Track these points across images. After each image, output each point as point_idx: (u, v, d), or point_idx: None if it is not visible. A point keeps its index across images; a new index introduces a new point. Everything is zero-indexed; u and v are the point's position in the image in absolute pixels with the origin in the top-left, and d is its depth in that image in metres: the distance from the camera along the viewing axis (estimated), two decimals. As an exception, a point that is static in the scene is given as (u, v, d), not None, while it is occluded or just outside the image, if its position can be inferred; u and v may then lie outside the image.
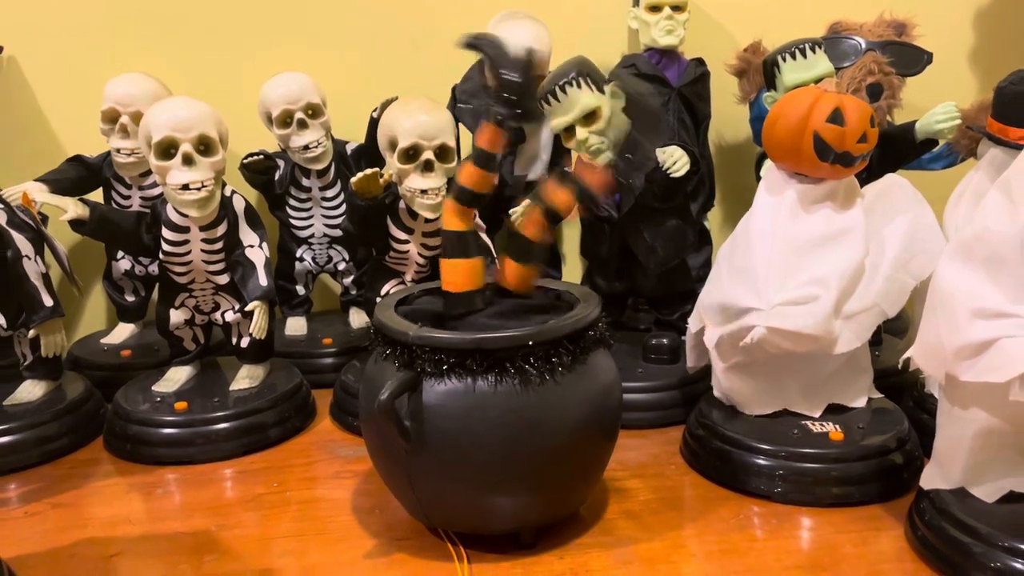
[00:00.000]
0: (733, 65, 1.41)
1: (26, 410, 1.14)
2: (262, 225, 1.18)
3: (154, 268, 1.37)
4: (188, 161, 1.08)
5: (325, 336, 1.40)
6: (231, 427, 1.12)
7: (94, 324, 1.53)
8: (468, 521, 0.87)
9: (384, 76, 1.49)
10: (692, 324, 1.09)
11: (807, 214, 1.00)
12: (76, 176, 1.35)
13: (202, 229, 1.13)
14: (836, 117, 0.96)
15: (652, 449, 1.09)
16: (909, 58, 1.30)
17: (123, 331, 1.44)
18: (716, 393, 1.08)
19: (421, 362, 0.81)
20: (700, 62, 1.42)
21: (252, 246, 1.16)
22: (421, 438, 0.81)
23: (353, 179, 1.13)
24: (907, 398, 1.12)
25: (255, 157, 1.34)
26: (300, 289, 1.46)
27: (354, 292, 1.46)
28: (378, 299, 1.20)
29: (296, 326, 1.44)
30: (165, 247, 1.13)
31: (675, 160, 1.14)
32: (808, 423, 1.02)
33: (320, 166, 1.36)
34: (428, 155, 1.12)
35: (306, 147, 1.34)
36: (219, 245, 1.14)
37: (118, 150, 1.31)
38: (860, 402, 1.05)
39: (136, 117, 1.25)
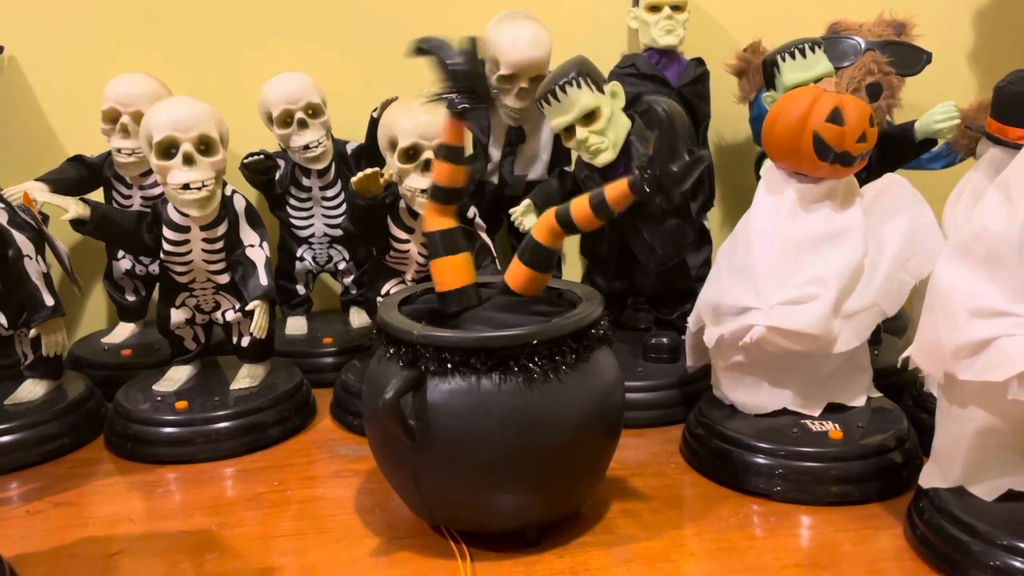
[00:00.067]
0: (733, 65, 1.41)
1: (27, 409, 1.14)
2: (262, 225, 1.18)
3: (155, 268, 1.37)
4: (189, 161, 1.08)
5: (325, 335, 1.40)
6: (231, 426, 1.12)
7: (95, 323, 1.53)
8: (473, 519, 0.87)
9: (384, 76, 1.48)
10: (692, 323, 1.09)
11: (806, 213, 1.00)
12: (77, 176, 1.35)
13: (203, 229, 1.13)
14: (835, 117, 0.96)
15: (652, 448, 1.09)
16: (908, 58, 1.30)
17: (124, 330, 1.44)
18: (715, 392, 1.09)
19: (425, 361, 0.81)
20: (700, 62, 1.42)
21: (252, 245, 1.16)
22: (425, 437, 0.82)
23: (353, 179, 1.13)
24: (906, 397, 1.12)
25: (255, 157, 1.35)
26: (300, 289, 1.46)
27: (354, 292, 1.46)
28: (379, 299, 1.20)
29: (296, 325, 1.44)
30: (166, 247, 1.13)
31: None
32: (807, 422, 1.02)
33: (320, 166, 1.37)
34: (428, 155, 1.12)
35: (306, 147, 1.34)
36: (220, 244, 1.15)
37: (119, 150, 1.31)
38: (859, 401, 1.05)
39: (137, 117, 1.25)
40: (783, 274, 0.98)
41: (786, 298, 0.97)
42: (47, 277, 1.14)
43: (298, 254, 1.43)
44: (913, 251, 1.00)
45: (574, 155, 1.24)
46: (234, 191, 1.16)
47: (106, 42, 1.45)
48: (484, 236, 1.20)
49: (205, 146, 1.09)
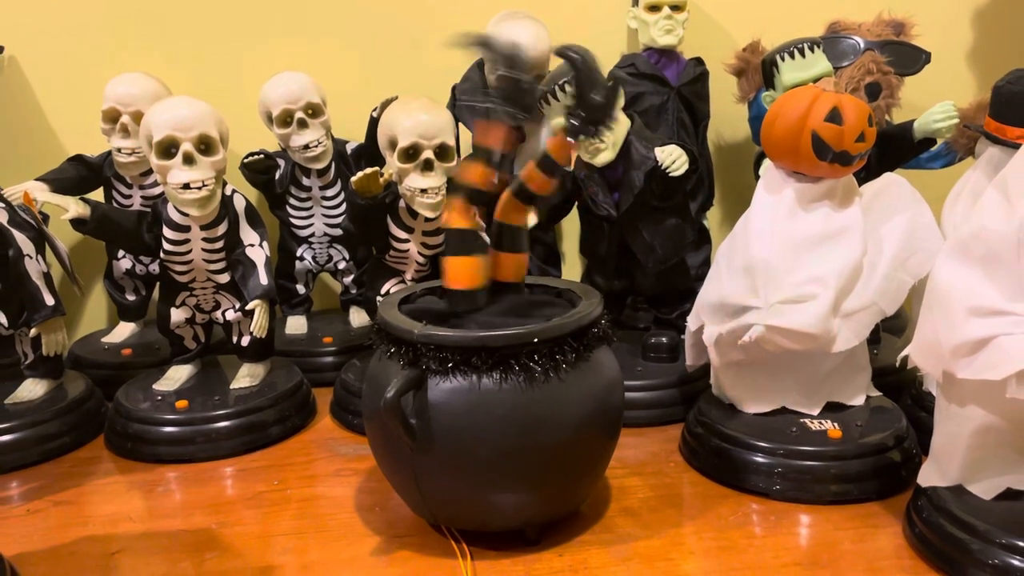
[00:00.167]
0: (732, 64, 1.41)
1: (27, 408, 1.15)
2: (262, 224, 1.18)
3: (155, 267, 1.37)
4: (189, 160, 1.08)
5: (325, 335, 1.41)
6: (231, 425, 1.12)
7: (95, 323, 1.53)
8: (474, 518, 0.87)
9: (384, 76, 1.49)
10: (691, 322, 1.10)
11: (805, 213, 1.00)
12: (77, 176, 1.35)
13: (203, 228, 1.13)
14: (834, 116, 0.97)
15: (651, 447, 1.10)
16: (907, 57, 1.31)
17: (124, 330, 1.44)
18: (715, 391, 1.09)
19: (426, 360, 0.82)
20: (699, 61, 1.42)
21: (252, 245, 1.16)
22: (426, 435, 0.82)
23: (353, 178, 1.13)
24: (905, 396, 1.12)
25: (255, 156, 1.35)
26: (300, 288, 1.46)
27: (354, 291, 1.47)
28: (379, 298, 1.20)
29: (296, 325, 1.44)
30: (166, 246, 1.13)
31: (674, 159, 1.14)
32: (806, 421, 1.02)
33: (320, 165, 1.37)
34: (428, 154, 1.13)
35: (306, 146, 1.34)
36: (220, 244, 1.15)
37: (119, 150, 1.32)
38: (858, 400, 1.05)
39: (137, 117, 1.25)
40: (782, 273, 0.98)
41: (785, 297, 0.97)
42: (47, 277, 1.14)
43: (298, 254, 1.43)
44: (912, 250, 1.00)
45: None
46: (234, 191, 1.16)
47: (106, 42, 1.45)
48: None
49: (205, 146, 1.09)
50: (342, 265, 1.46)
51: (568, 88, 0.96)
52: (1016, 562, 0.76)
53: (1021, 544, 0.77)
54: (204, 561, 0.88)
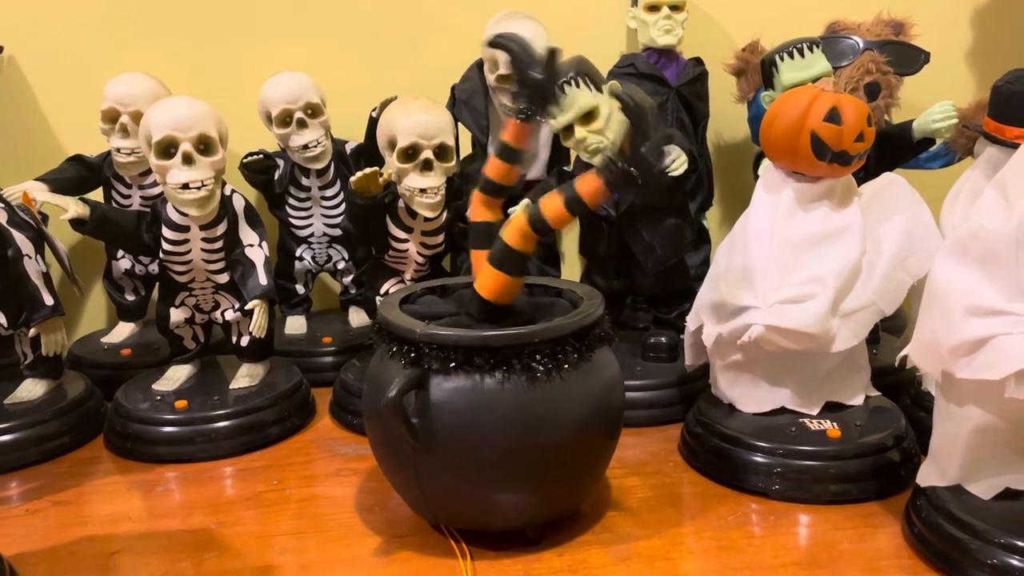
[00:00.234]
0: (731, 64, 1.41)
1: (27, 409, 1.15)
2: (262, 224, 1.18)
3: (154, 267, 1.37)
4: (188, 160, 1.08)
5: (325, 335, 1.41)
6: (231, 425, 1.12)
7: (94, 323, 1.53)
8: (475, 518, 0.87)
9: (384, 76, 1.49)
10: (690, 322, 1.10)
11: (805, 213, 1.00)
12: (76, 175, 1.35)
13: (202, 228, 1.13)
14: (833, 116, 0.97)
15: (651, 447, 1.10)
16: (907, 57, 1.31)
17: (123, 330, 1.44)
18: (714, 391, 1.09)
19: (428, 359, 0.82)
20: (698, 61, 1.42)
21: (252, 245, 1.16)
22: (428, 435, 0.82)
23: (352, 178, 1.13)
24: (904, 396, 1.12)
25: (255, 156, 1.35)
26: (300, 288, 1.46)
27: (354, 291, 1.47)
28: (378, 298, 1.20)
29: (296, 325, 1.44)
30: (165, 246, 1.13)
31: (673, 159, 1.14)
32: (806, 421, 1.02)
33: (319, 165, 1.37)
34: (427, 154, 1.13)
35: (305, 146, 1.34)
36: (219, 244, 1.15)
37: (118, 150, 1.32)
38: (858, 400, 1.06)
39: (136, 117, 1.25)
40: (781, 273, 0.98)
41: (784, 297, 0.97)
42: (47, 277, 1.14)
43: (297, 254, 1.44)
44: (911, 250, 1.00)
45: (573, 155, 1.24)
46: (233, 191, 1.16)
47: (106, 42, 1.45)
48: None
49: (204, 146, 1.09)
50: (341, 265, 1.46)
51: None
52: (1015, 562, 0.76)
53: (1020, 544, 0.77)
54: (203, 561, 0.88)
